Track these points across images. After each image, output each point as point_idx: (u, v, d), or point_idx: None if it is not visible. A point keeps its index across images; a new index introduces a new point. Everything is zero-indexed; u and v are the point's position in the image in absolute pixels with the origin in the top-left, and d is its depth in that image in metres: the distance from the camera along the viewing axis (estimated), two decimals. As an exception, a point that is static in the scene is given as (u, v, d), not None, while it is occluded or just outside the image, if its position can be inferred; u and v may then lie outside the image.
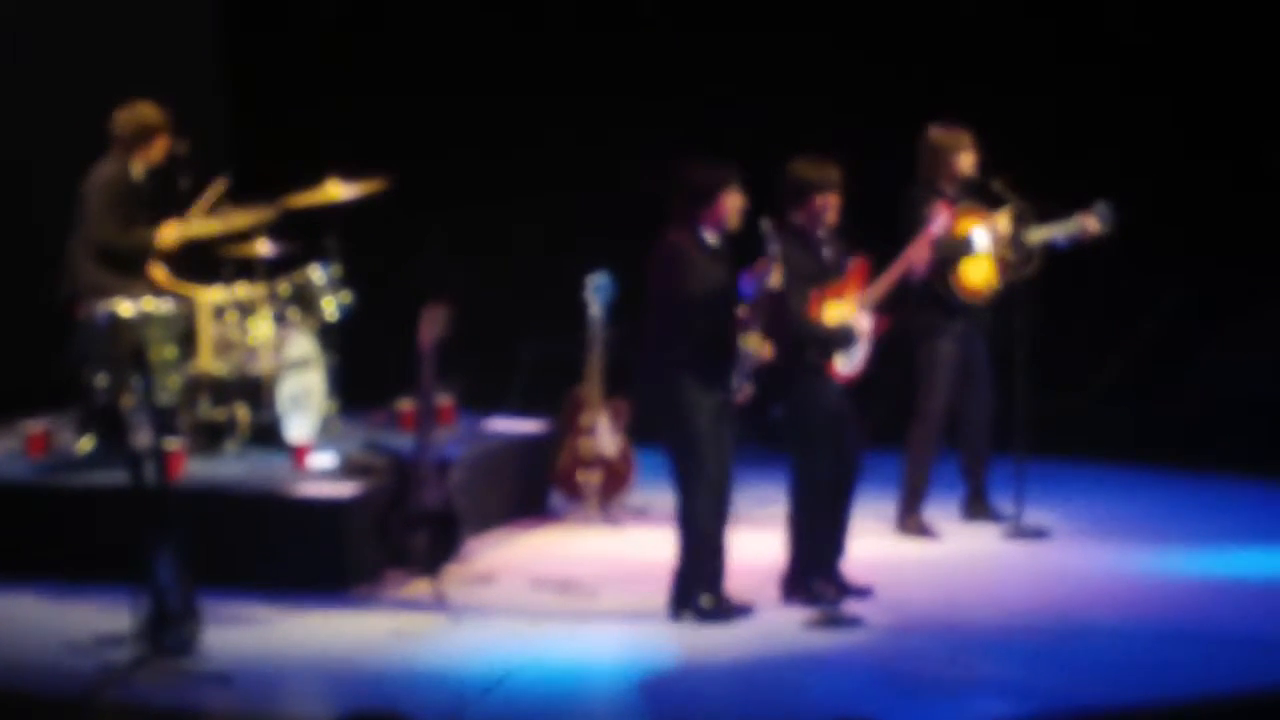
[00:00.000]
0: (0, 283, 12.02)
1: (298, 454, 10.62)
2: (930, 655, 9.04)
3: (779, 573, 9.76)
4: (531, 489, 11.63)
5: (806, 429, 9.58)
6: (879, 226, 10.28)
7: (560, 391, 11.55)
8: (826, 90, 13.12)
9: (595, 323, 11.38)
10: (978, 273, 10.93)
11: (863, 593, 9.77)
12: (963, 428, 11.13)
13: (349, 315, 11.35)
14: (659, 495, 11.06)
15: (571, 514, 11.49)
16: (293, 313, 11.12)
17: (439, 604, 9.70)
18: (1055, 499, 11.57)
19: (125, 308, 10.43)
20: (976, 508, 11.25)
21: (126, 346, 10.14)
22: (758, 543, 9.90)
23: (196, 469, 10.41)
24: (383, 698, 8.32)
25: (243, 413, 10.78)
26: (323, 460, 10.61)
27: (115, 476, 9.34)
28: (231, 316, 10.90)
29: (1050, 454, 11.75)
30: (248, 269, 11.10)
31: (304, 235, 11.29)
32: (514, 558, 10.72)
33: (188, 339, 10.72)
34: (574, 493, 11.48)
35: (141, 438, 8.74)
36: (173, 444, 10.11)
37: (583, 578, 10.21)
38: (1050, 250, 11.02)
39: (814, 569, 9.68)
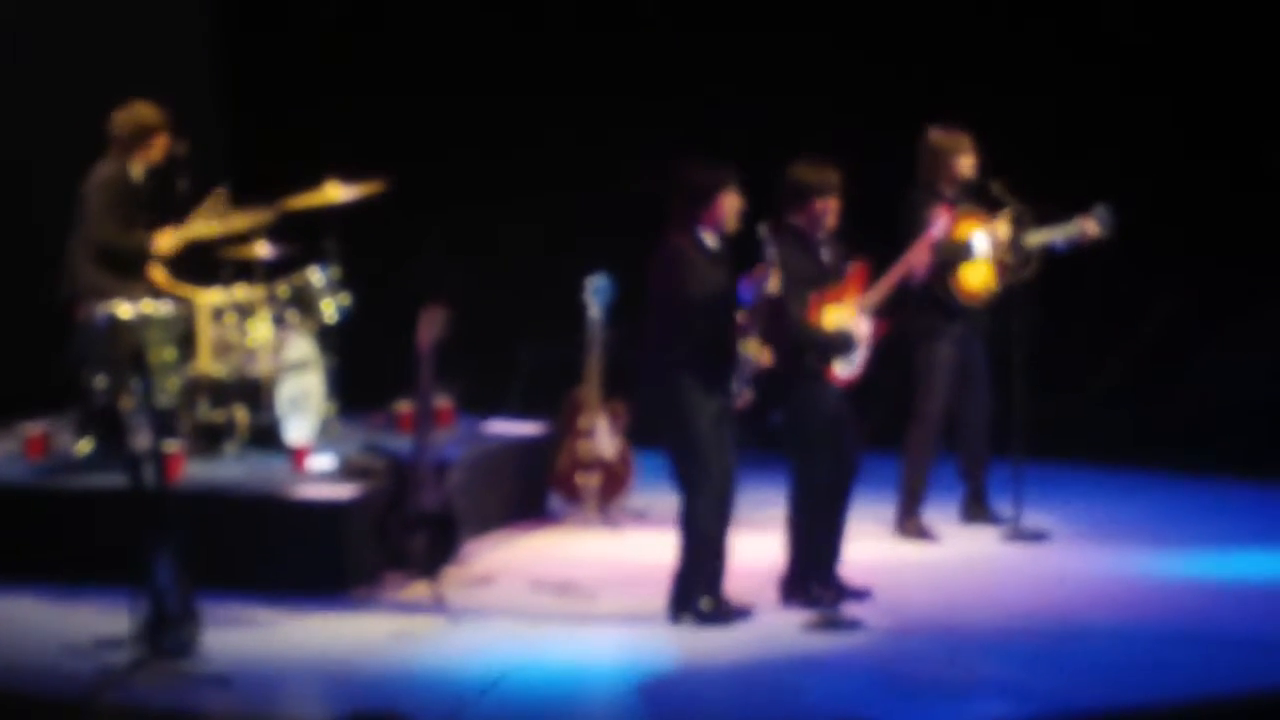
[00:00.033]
0: (-1, 284, 12.05)
1: (297, 456, 10.62)
2: (929, 657, 9.04)
3: (778, 575, 9.76)
4: (530, 491, 11.64)
5: (805, 434, 9.58)
6: (878, 229, 10.28)
7: (559, 394, 11.55)
8: (826, 90, 13.12)
9: (594, 325, 11.38)
10: (976, 276, 10.93)
11: (861, 595, 9.78)
12: (961, 430, 11.13)
13: (348, 317, 11.36)
14: (658, 498, 11.08)
15: (570, 516, 11.49)
16: (292, 315, 11.12)
17: (438, 606, 9.70)
18: (1054, 501, 11.57)
19: (124, 310, 10.43)
20: (975, 510, 11.26)
21: (125, 348, 10.14)
22: (757, 545, 9.89)
23: (195, 471, 10.41)
24: (382, 699, 8.31)
25: (242, 415, 10.79)
26: (322, 462, 10.61)
27: (114, 478, 9.35)
28: (230, 318, 10.90)
29: (1049, 456, 11.76)
30: (247, 271, 11.10)
31: (303, 237, 11.30)
32: (513, 560, 10.72)
33: (187, 341, 10.72)
34: (573, 495, 11.49)
35: (140, 440, 8.75)
36: (172, 446, 10.12)
37: (581, 580, 10.21)
38: (1049, 253, 11.02)
39: (813, 572, 9.69)
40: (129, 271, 10.65)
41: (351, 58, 13.64)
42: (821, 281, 9.61)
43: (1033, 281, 10.90)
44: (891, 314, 9.91)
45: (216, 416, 10.78)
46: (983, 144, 11.01)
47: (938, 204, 10.68)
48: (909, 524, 11.04)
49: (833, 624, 9.37)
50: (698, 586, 9.43)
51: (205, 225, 10.89)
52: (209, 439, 10.76)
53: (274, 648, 9.16)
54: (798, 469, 9.65)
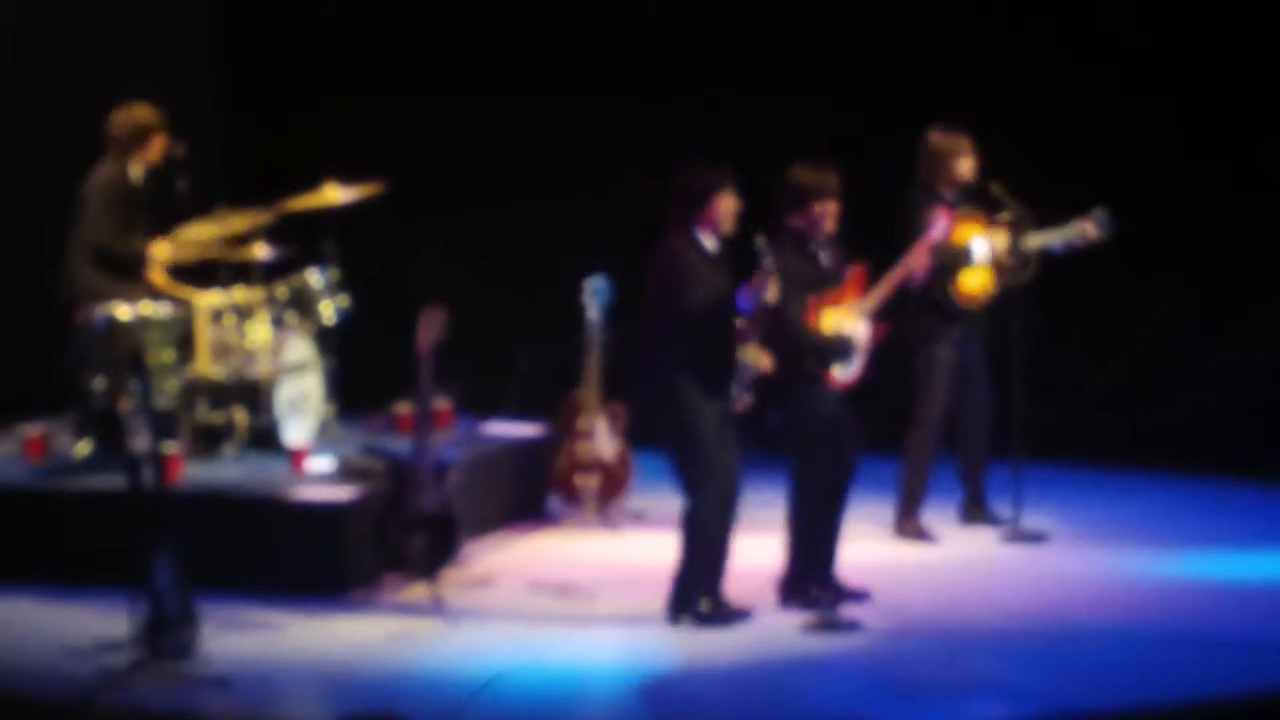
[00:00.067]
0: (-2, 285, 12.06)
1: (296, 458, 10.63)
2: (928, 659, 9.03)
3: (777, 577, 9.76)
4: (529, 493, 11.64)
5: (804, 436, 9.58)
6: (877, 231, 10.27)
7: (558, 395, 11.55)
8: (826, 91, 13.11)
9: (593, 326, 11.37)
10: (975, 279, 10.93)
11: (860, 596, 9.78)
12: (960, 432, 11.13)
13: (347, 319, 11.36)
14: (657, 499, 11.09)
15: (569, 518, 11.49)
16: (290, 316, 11.12)
17: (437, 607, 9.70)
18: (1053, 503, 11.56)
19: (123, 311, 10.43)
20: (974, 512, 11.26)
21: (124, 350, 10.15)
22: (756, 547, 9.88)
23: (194, 472, 10.41)
24: (381, 701, 8.31)
25: (241, 416, 10.79)
26: (321, 464, 10.61)
27: (113, 480, 9.35)
28: (229, 320, 10.90)
29: (1048, 458, 11.75)
30: (245, 273, 11.10)
31: (302, 239, 11.29)
32: (512, 561, 10.72)
33: (186, 343, 10.72)
34: (572, 496, 11.48)
35: (139, 441, 8.74)
36: (171, 448, 10.12)
37: (580, 581, 10.21)
38: (1047, 256, 11.01)
39: (811, 573, 9.69)
40: (128, 273, 10.65)
41: (351, 58, 13.64)
42: (820, 284, 9.61)
43: (1031, 284, 10.90)
44: (890, 317, 9.91)
45: (215, 418, 10.78)
46: (983, 144, 11.01)
47: (937, 206, 10.67)
48: (908, 525, 11.04)
49: (831, 625, 9.37)
50: (698, 588, 9.43)
51: (203, 228, 10.88)
52: (208, 441, 10.76)
53: (273, 649, 9.16)
54: (797, 471, 9.65)
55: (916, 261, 10.23)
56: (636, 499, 11.50)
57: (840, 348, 9.61)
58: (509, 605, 9.87)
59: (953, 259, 10.79)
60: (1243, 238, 13.01)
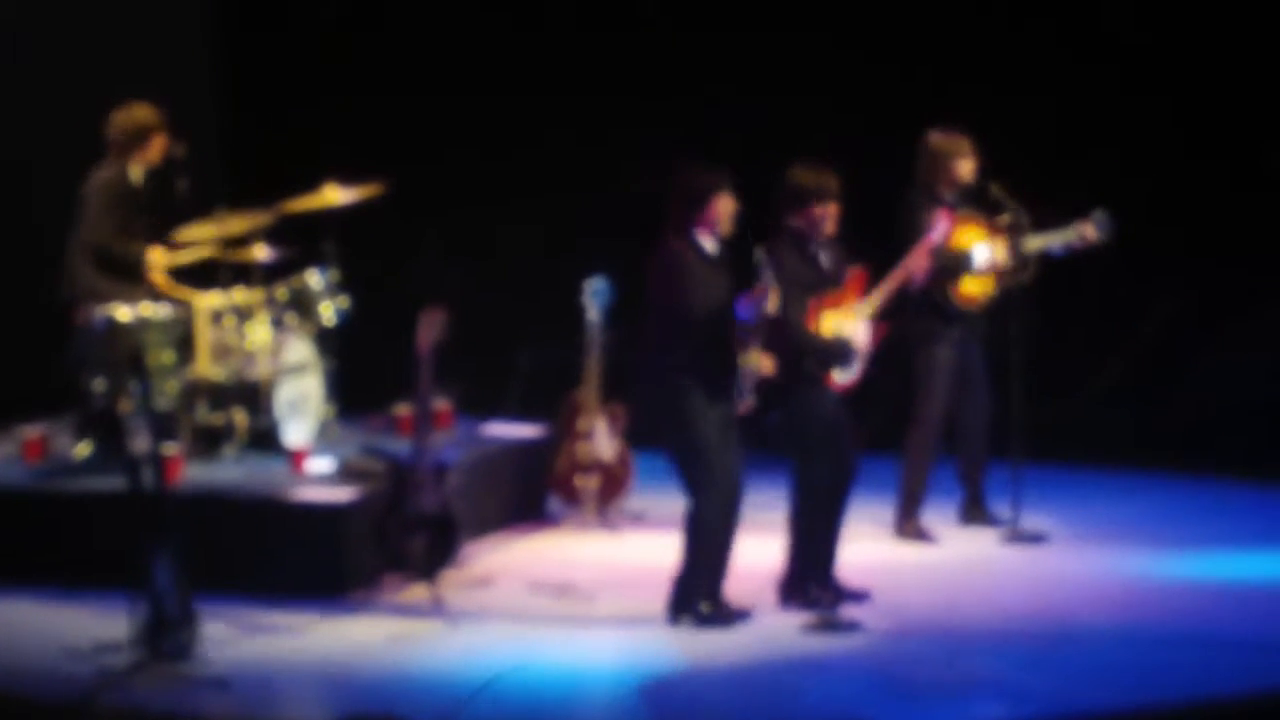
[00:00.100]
0: (-2, 286, 12.06)
1: (295, 459, 10.63)
2: (928, 659, 9.04)
3: (777, 577, 9.76)
4: (529, 494, 11.63)
5: (804, 437, 9.58)
6: (877, 232, 10.26)
7: (558, 396, 11.54)
8: (826, 91, 13.11)
9: (593, 327, 11.37)
10: (974, 282, 10.92)
11: (860, 597, 9.78)
12: (960, 433, 11.13)
13: (346, 320, 11.35)
14: (657, 500, 11.10)
15: (569, 518, 11.48)
16: (290, 318, 11.12)
17: (436, 608, 9.69)
18: (1053, 503, 11.56)
19: (123, 312, 10.43)
20: (974, 512, 11.25)
21: (124, 351, 10.15)
22: (756, 547, 9.88)
23: (194, 474, 10.41)
24: (380, 701, 8.31)
25: (240, 418, 10.79)
26: (320, 465, 10.61)
27: (113, 481, 9.36)
28: (229, 321, 10.90)
29: (1047, 458, 11.75)
30: (245, 274, 11.09)
31: (301, 240, 11.29)
32: (511, 562, 10.72)
33: (185, 344, 10.72)
34: (571, 497, 11.48)
35: (139, 443, 8.74)
36: (170, 449, 10.12)
37: (580, 582, 10.21)
38: (1046, 257, 11.01)
39: (811, 574, 9.69)
40: (127, 274, 10.65)
41: (351, 58, 13.63)
42: (820, 286, 9.60)
43: (1031, 285, 10.89)
44: (890, 318, 9.90)
45: (215, 419, 10.78)
46: (983, 144, 11.00)
47: (936, 207, 10.66)
48: (908, 526, 11.04)
49: (831, 626, 9.37)
50: (698, 590, 9.42)
51: (202, 232, 10.88)
52: (208, 442, 10.75)
53: (273, 650, 9.16)
54: (798, 472, 9.65)
55: (916, 263, 10.23)
56: (636, 500, 11.50)
57: (840, 351, 9.61)
58: (509, 606, 9.87)
59: (953, 262, 10.78)
60: (1243, 238, 13.01)
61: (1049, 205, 10.99)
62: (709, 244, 9.36)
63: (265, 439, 10.81)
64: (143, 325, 10.45)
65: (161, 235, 10.83)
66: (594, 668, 8.98)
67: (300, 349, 11.09)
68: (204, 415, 10.77)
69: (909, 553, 10.86)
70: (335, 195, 11.29)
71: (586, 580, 10.24)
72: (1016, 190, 10.93)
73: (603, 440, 11.40)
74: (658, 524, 11.00)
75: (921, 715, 8.47)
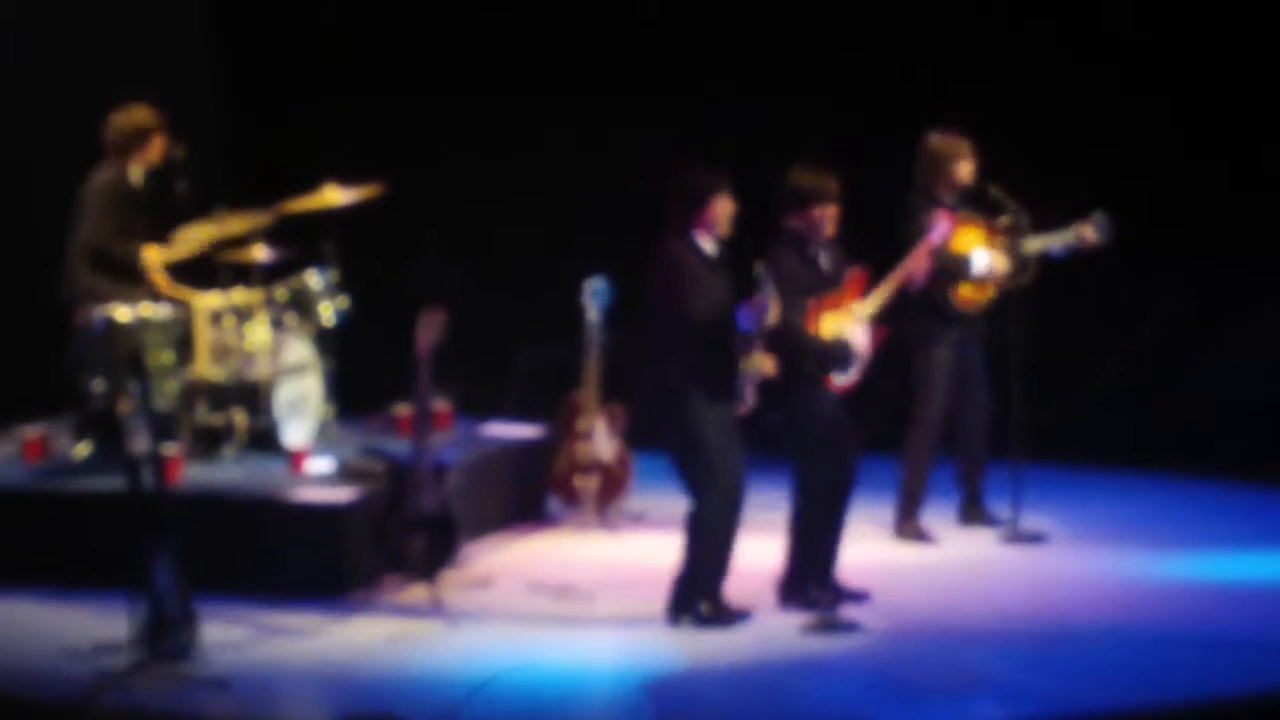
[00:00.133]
0: (-2, 287, 12.06)
1: (295, 459, 10.63)
2: (928, 659, 9.04)
3: (776, 578, 9.76)
4: (528, 494, 11.63)
5: (804, 439, 9.58)
6: (877, 234, 10.26)
7: (557, 396, 11.54)
8: (826, 91, 13.11)
9: (592, 327, 11.37)
10: (973, 287, 10.92)
11: (860, 597, 9.78)
12: (959, 433, 11.13)
13: (346, 320, 11.35)
14: (656, 500, 11.10)
15: (568, 519, 11.49)
16: (290, 318, 11.12)
17: (436, 609, 9.69)
18: (1052, 504, 11.56)
19: (122, 313, 10.43)
20: (973, 513, 11.26)
21: (124, 352, 10.15)
22: (756, 548, 9.87)
23: (194, 474, 10.41)
24: (380, 702, 8.32)
25: (240, 418, 10.79)
26: (320, 465, 10.61)
27: (113, 482, 9.36)
28: (229, 322, 10.90)
29: (1047, 459, 11.75)
30: (245, 274, 11.10)
31: (301, 240, 11.29)
32: (511, 562, 10.72)
33: (185, 344, 10.72)
34: (571, 498, 11.48)
35: (139, 443, 8.74)
36: (170, 449, 10.12)
37: (580, 583, 10.21)
38: (1046, 258, 11.01)
39: (811, 574, 9.69)
40: (126, 275, 10.65)
41: (351, 58, 13.64)
42: (819, 288, 9.60)
43: (1031, 286, 10.89)
44: (890, 319, 9.90)
45: (215, 420, 10.78)
46: (983, 144, 11.00)
47: (936, 209, 10.66)
48: (907, 527, 11.04)
49: (831, 626, 9.37)
50: (698, 591, 9.42)
51: (198, 234, 10.88)
52: (207, 442, 10.76)
53: (272, 650, 9.16)
54: (799, 473, 9.65)
55: (916, 264, 10.23)
56: (636, 500, 11.50)
57: (840, 353, 9.60)
58: (508, 606, 9.86)
59: (953, 265, 10.78)
60: (1243, 238, 13.01)
61: (1049, 205, 10.99)
62: (708, 245, 9.36)
63: (265, 439, 10.82)
64: (142, 326, 10.44)
65: (161, 236, 10.83)
66: (593, 668, 8.98)
67: (300, 349, 11.09)
68: (203, 416, 10.78)
69: (908, 553, 10.86)
70: (335, 195, 11.29)
71: (586, 581, 10.24)
72: (1016, 190, 10.94)
73: (602, 441, 11.40)
74: (657, 524, 11.01)
75: (921, 716, 8.47)
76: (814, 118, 12.76)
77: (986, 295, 10.92)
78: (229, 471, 10.60)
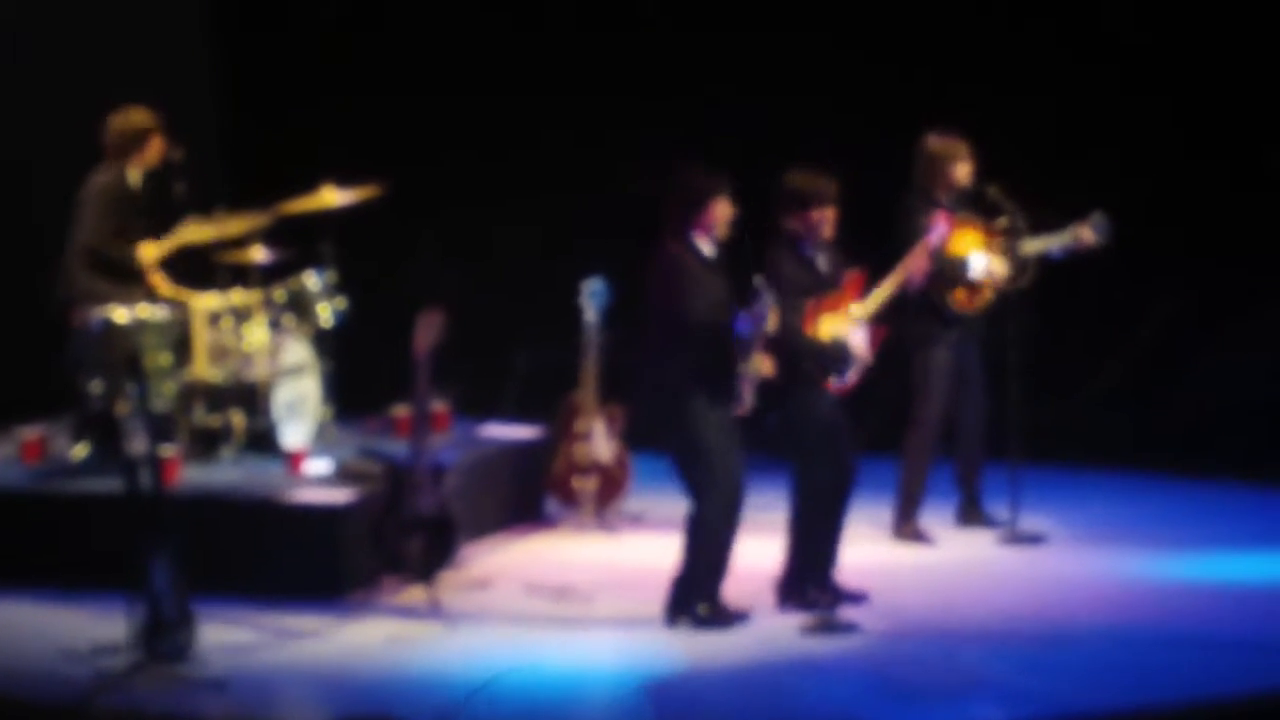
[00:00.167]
0: (-4, 288, 12.06)
1: (293, 460, 10.63)
2: (926, 660, 9.03)
3: (775, 578, 9.76)
4: (527, 495, 11.63)
5: (802, 440, 9.58)
6: (875, 235, 10.26)
7: (555, 397, 11.54)
8: (826, 91, 13.10)
9: (590, 328, 11.37)
10: (971, 290, 10.91)
11: (858, 598, 9.77)
12: (958, 435, 11.12)
13: (344, 321, 11.35)
14: (655, 501, 11.10)
15: (567, 520, 11.48)
16: (288, 319, 11.12)
17: (434, 610, 9.69)
18: (1051, 504, 11.54)
19: (120, 314, 10.43)
20: (972, 514, 11.25)
21: (121, 353, 10.16)
22: (755, 549, 9.87)
23: (192, 475, 10.41)
24: (377, 703, 8.33)
25: (238, 419, 10.78)
26: (318, 466, 10.61)
27: (110, 483, 9.37)
28: (227, 323, 10.90)
29: (1046, 460, 11.74)
30: (243, 275, 11.09)
31: (299, 241, 11.29)
32: (509, 564, 10.72)
33: (183, 345, 10.72)
34: (569, 499, 11.47)
35: (137, 444, 8.74)
36: (168, 450, 10.12)
37: (578, 584, 10.21)
38: (1044, 259, 11.00)
39: (809, 575, 9.68)
40: (124, 277, 10.65)
41: (351, 58, 13.63)
42: (817, 289, 9.59)
43: (1029, 287, 10.88)
44: (888, 320, 9.90)
45: (213, 421, 10.78)
46: (982, 145, 10.99)
47: (934, 210, 10.65)
48: (906, 528, 11.03)
49: (829, 627, 9.36)
50: (697, 592, 9.42)
51: (195, 231, 10.87)
52: (205, 443, 10.75)
53: (270, 652, 9.16)
54: (799, 474, 9.65)
55: (915, 265, 10.22)
56: (634, 501, 11.50)
57: (839, 355, 9.59)
58: (506, 608, 9.86)
59: (951, 267, 10.77)
60: (1243, 238, 13.00)
61: (1048, 206, 10.98)
62: (706, 247, 9.35)
63: (263, 440, 10.81)
64: (140, 327, 10.45)
65: (159, 238, 10.82)
66: (592, 669, 8.97)
67: (298, 350, 11.09)
68: (201, 417, 10.77)
69: (907, 554, 10.86)
70: (333, 197, 11.29)
71: (584, 582, 10.24)
72: (1016, 191, 10.92)
73: (601, 442, 11.39)
74: (656, 525, 11.01)
75: (919, 717, 8.47)
76: (814, 118, 12.75)
77: (986, 298, 10.90)
78: (227, 473, 10.60)
